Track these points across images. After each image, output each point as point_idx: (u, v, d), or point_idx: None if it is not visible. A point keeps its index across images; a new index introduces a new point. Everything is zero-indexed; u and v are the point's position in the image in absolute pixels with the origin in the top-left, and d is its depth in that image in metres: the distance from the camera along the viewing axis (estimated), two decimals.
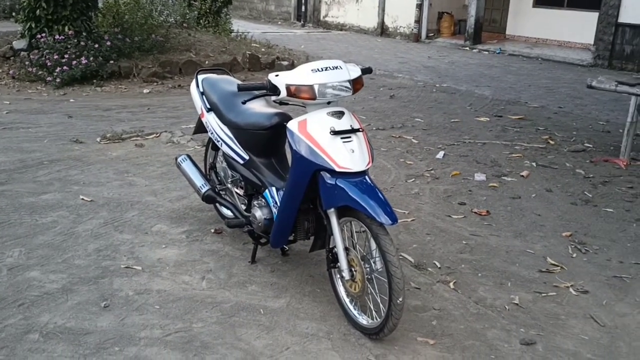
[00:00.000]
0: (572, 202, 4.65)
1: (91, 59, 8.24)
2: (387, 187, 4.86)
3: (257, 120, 3.30)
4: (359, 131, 2.89)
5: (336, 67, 2.89)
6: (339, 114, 2.88)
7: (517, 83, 9.81)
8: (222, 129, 3.52)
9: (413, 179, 5.06)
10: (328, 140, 2.80)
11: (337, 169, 2.77)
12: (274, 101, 3.00)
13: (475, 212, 4.42)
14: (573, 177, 5.22)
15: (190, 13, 11.86)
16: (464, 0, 15.98)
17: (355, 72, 2.97)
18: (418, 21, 15.65)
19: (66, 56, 8.12)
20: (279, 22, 20.28)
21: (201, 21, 12.46)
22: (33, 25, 8.45)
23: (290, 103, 3.01)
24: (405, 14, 16.02)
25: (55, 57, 8.10)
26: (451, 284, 3.41)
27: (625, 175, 5.28)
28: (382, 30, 16.91)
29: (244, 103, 3.15)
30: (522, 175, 5.20)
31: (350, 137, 2.84)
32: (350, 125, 2.86)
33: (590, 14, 12.61)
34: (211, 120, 3.62)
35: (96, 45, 8.44)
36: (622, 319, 3.14)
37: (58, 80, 8.02)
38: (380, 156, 5.63)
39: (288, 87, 2.85)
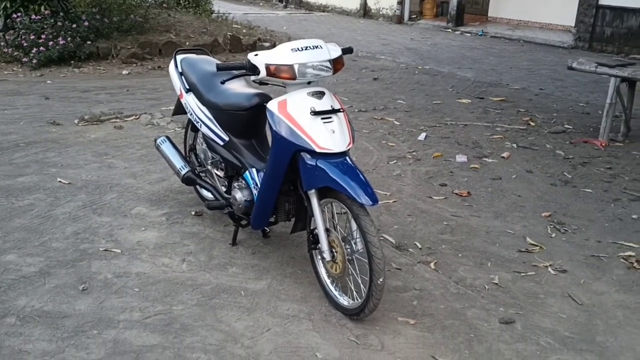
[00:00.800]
0: (552, 183, 4.68)
1: (68, 39, 8.09)
2: (369, 168, 4.85)
3: (237, 100, 3.26)
4: (340, 111, 2.87)
5: (316, 47, 2.85)
6: (320, 94, 2.85)
7: (499, 65, 9.82)
8: (201, 110, 3.48)
9: (395, 161, 5.06)
10: (308, 120, 2.77)
11: (318, 150, 2.74)
12: (254, 81, 2.96)
13: (456, 193, 4.43)
14: (553, 158, 5.25)
15: None
16: None
17: (335, 51, 2.94)
18: (401, 3, 15.56)
19: (43, 37, 7.96)
20: (261, 4, 20.07)
21: (181, 1, 12.29)
22: (8, 5, 8.29)
23: (270, 83, 2.97)
24: None
25: (32, 37, 7.95)
26: (432, 265, 3.43)
27: (604, 156, 5.32)
28: (365, 11, 16.80)
29: (222, 83, 3.11)
30: (503, 157, 5.22)
31: (330, 117, 2.82)
32: (331, 106, 2.84)
33: None
34: (190, 101, 3.58)
35: (73, 26, 8.29)
36: (599, 298, 3.17)
37: (34, 61, 7.88)
38: (363, 138, 5.61)
39: (268, 67, 2.81)
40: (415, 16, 15.85)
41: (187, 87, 3.61)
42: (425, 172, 4.83)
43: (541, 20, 13.90)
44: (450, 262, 3.48)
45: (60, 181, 4.29)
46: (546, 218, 4.08)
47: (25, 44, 7.95)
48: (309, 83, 2.88)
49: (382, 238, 3.69)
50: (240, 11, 16.31)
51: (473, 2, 15.70)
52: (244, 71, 2.91)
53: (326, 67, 2.84)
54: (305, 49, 2.82)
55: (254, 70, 2.86)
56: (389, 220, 3.96)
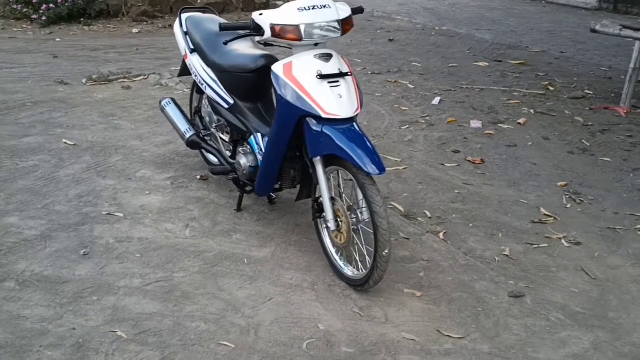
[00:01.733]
0: (569, 151, 4.52)
1: None
2: (380, 133, 4.72)
3: (242, 62, 3.14)
4: (348, 75, 2.75)
5: (324, 6, 2.71)
6: (327, 57, 2.72)
7: (519, 27, 9.51)
8: (206, 72, 3.36)
9: (407, 126, 4.92)
10: (314, 84, 2.66)
11: (324, 116, 2.64)
12: (258, 42, 2.84)
13: (470, 161, 4.30)
14: (571, 125, 5.08)
15: None
16: None
17: (345, 11, 2.80)
18: None
19: None
20: None
21: None
22: None
23: (275, 44, 2.85)
24: None
25: None
26: (441, 235, 3.33)
27: (624, 124, 5.13)
28: None
29: (225, 44, 2.98)
30: (520, 123, 5.05)
31: (338, 81, 2.70)
32: (339, 69, 2.72)
33: None
34: (195, 62, 3.46)
35: None
36: (613, 272, 3.07)
37: (44, 18, 7.74)
38: (375, 102, 5.47)
39: (273, 27, 2.68)
40: None
41: (192, 47, 3.49)
42: (438, 138, 4.70)
43: None
44: (460, 233, 3.38)
45: (65, 142, 4.22)
46: (562, 188, 3.95)
47: (34, 1, 7.80)
48: (316, 45, 2.75)
49: (390, 206, 3.60)
50: None
51: None
52: (248, 31, 2.78)
53: (334, 27, 2.71)
54: (313, 9, 2.68)
55: (258, 30, 2.74)
56: (398, 188, 3.85)
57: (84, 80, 5.63)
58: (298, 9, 2.66)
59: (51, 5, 7.76)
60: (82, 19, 8.04)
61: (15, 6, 7.90)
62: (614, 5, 11.34)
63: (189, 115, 3.88)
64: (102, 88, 5.49)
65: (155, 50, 6.97)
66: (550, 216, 3.59)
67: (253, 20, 2.73)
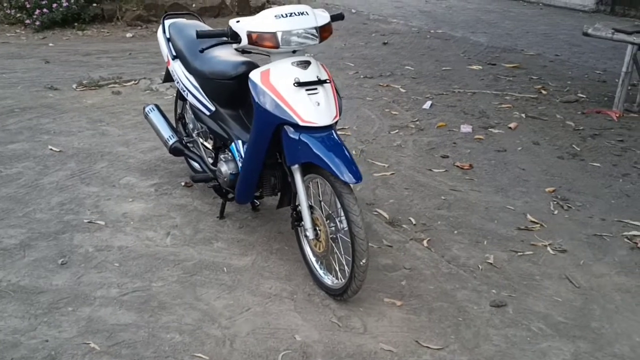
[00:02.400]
0: (559, 156, 4.49)
1: (72, 1, 7.91)
2: (369, 138, 4.69)
3: (223, 69, 3.11)
4: (327, 82, 2.72)
5: (302, 13, 2.68)
6: (305, 64, 2.70)
7: (515, 29, 9.47)
8: (187, 78, 3.34)
9: (397, 130, 4.89)
10: (292, 92, 2.63)
11: (301, 123, 2.61)
12: (236, 49, 2.81)
13: (458, 166, 4.27)
14: (562, 129, 5.04)
15: None
16: None
17: (323, 18, 2.77)
18: None
19: None
20: None
21: None
22: None
23: (253, 52, 2.82)
24: None
25: None
26: (425, 242, 3.30)
27: (616, 128, 5.09)
28: None
29: (201, 51, 2.95)
30: (510, 127, 5.02)
31: (316, 88, 2.67)
32: (317, 76, 2.69)
33: None
34: (177, 69, 3.44)
35: None
36: (598, 280, 3.03)
37: (38, 23, 7.73)
38: (365, 106, 5.44)
39: (249, 35, 2.65)
40: None
41: (174, 54, 3.47)
42: (427, 142, 4.67)
43: None
44: (445, 240, 3.35)
45: (51, 149, 4.20)
46: (550, 193, 3.92)
47: (28, 6, 7.79)
48: (294, 52, 2.72)
49: (375, 213, 3.57)
50: None
51: None
52: (225, 39, 2.76)
53: (312, 34, 2.69)
54: (290, 16, 2.65)
55: (235, 37, 2.71)
56: (384, 194, 3.82)
57: (74, 86, 5.62)
58: (275, 16, 2.63)
59: (45, 10, 7.75)
60: (76, 24, 8.02)
61: (8, 11, 7.90)
62: (612, 7, 11.30)
63: (173, 122, 3.85)
64: (92, 93, 5.47)
65: (147, 55, 6.94)
66: (537, 223, 3.55)
67: (230, 28, 2.71)
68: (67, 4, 7.85)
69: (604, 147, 4.69)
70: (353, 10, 10.35)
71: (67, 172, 3.88)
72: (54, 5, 7.78)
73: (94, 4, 8.27)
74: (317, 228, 2.75)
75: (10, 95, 5.27)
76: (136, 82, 5.82)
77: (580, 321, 2.73)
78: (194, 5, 9.09)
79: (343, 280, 2.72)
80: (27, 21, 7.77)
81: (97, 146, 4.31)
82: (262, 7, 9.48)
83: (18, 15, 7.86)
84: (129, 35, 7.92)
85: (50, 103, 5.13)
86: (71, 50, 6.99)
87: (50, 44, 7.24)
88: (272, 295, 2.80)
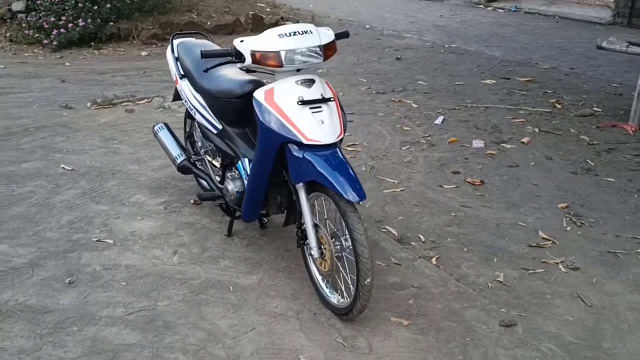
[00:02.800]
0: (572, 171, 4.43)
1: (89, 20, 8.04)
2: (379, 154, 4.67)
3: (229, 87, 3.12)
4: (331, 100, 2.71)
5: (306, 32, 2.68)
6: (309, 82, 2.69)
7: (530, 43, 9.42)
8: (195, 97, 3.36)
9: (408, 146, 4.87)
10: (296, 110, 2.63)
11: (305, 142, 2.60)
12: (240, 69, 2.82)
13: (469, 182, 4.23)
14: (576, 143, 4.98)
15: None
16: None
17: (327, 36, 2.77)
18: None
19: (63, 18, 7.92)
20: None
21: None
22: None
23: (258, 71, 2.83)
24: None
25: (52, 19, 7.91)
26: (433, 260, 3.26)
27: (632, 142, 5.01)
28: None
29: (206, 71, 2.97)
30: (523, 142, 4.97)
31: (320, 107, 2.67)
32: (321, 94, 2.68)
33: None
34: (185, 88, 3.46)
35: (94, 7, 8.23)
36: (610, 299, 2.97)
37: (55, 43, 7.86)
38: (377, 122, 5.43)
39: (253, 54, 2.66)
40: None
41: (182, 73, 3.50)
42: (438, 158, 4.63)
43: None
44: (454, 257, 3.30)
45: (63, 167, 4.24)
46: (562, 209, 3.86)
47: (46, 26, 7.92)
48: (298, 70, 2.72)
49: (384, 230, 3.55)
50: None
51: None
52: (229, 58, 2.77)
53: (316, 53, 2.68)
54: (294, 34, 2.66)
55: (239, 57, 2.72)
56: (393, 211, 3.79)
57: (88, 104, 5.68)
58: (278, 35, 2.64)
59: (62, 30, 7.88)
60: (92, 43, 8.14)
61: (27, 31, 8.03)
62: (629, 19, 11.19)
63: (182, 139, 3.88)
64: (105, 112, 5.53)
65: (161, 73, 7.00)
66: (549, 239, 3.49)
67: (234, 47, 2.72)
68: (83, 23, 7.97)
69: (619, 161, 4.62)
70: (367, 26, 10.38)
71: (78, 191, 3.91)
72: (70, 25, 7.91)
73: (111, 23, 8.39)
74: (322, 247, 2.73)
75: (26, 114, 5.34)
76: (149, 100, 5.88)
77: (592, 341, 2.67)
78: (208, 23, 9.18)
79: (348, 299, 2.69)
80: (45, 41, 7.90)
81: (108, 164, 4.34)
82: (276, 24, 9.55)
83: (36, 35, 7.99)
84: (144, 53, 8.01)
85: (64, 122, 5.20)
86: (87, 69, 7.08)
87: (67, 63, 7.35)
88: (278, 315, 2.78)
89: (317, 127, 2.61)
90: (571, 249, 3.41)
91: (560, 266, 3.24)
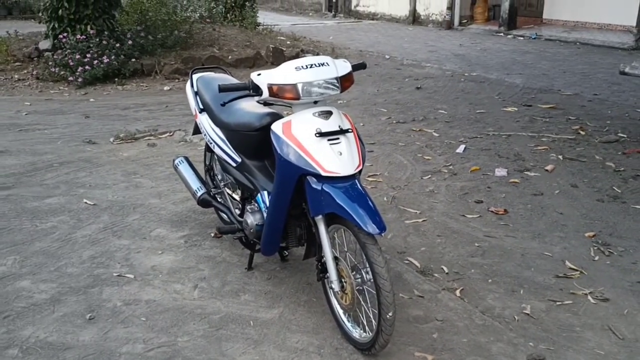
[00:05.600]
0: (599, 199, 4.33)
1: (112, 57, 8.23)
2: (401, 184, 4.63)
3: (248, 120, 3.13)
4: (349, 132, 2.69)
5: (322, 64, 2.69)
6: (327, 114, 2.68)
7: (552, 69, 9.37)
8: (214, 131, 3.37)
9: (429, 175, 4.82)
10: (314, 142, 2.61)
11: (323, 173, 2.58)
12: (257, 102, 2.82)
13: (492, 211, 4.16)
14: (602, 170, 4.88)
15: (217, 7, 11.78)
16: None
17: (344, 68, 2.76)
18: (450, 8, 15.21)
19: (88, 55, 8.13)
20: (310, 14, 20.07)
21: (228, 15, 12.35)
22: (56, 25, 8.50)
23: (276, 103, 2.83)
24: (437, 1, 15.60)
25: (77, 56, 8.12)
26: (458, 292, 3.19)
27: None
28: (414, 18, 16.51)
29: (223, 105, 2.98)
30: (547, 170, 4.89)
31: (338, 138, 2.65)
32: (339, 126, 2.67)
33: None
34: (204, 122, 3.48)
35: (117, 44, 8.42)
36: None
37: (80, 79, 8.04)
38: (398, 151, 5.40)
39: (270, 87, 2.67)
40: (465, 21, 15.44)
41: (201, 107, 3.52)
42: (460, 187, 4.58)
43: (600, 21, 13.26)
44: (479, 289, 3.23)
45: (85, 202, 4.28)
46: (590, 238, 3.76)
47: (71, 63, 8.12)
48: (315, 102, 2.72)
49: (406, 262, 3.49)
50: (289, 22, 16.34)
51: (527, 4, 15.19)
52: (247, 92, 2.78)
53: (333, 85, 2.68)
54: (310, 67, 2.66)
55: (257, 90, 2.72)
56: (416, 242, 3.74)
57: (111, 139, 5.76)
58: (295, 68, 2.64)
59: (87, 67, 8.06)
60: (116, 79, 8.31)
61: (53, 69, 8.23)
62: None
63: (202, 173, 3.89)
64: (128, 146, 5.60)
65: (183, 107, 7.08)
66: (576, 270, 3.40)
67: (251, 81, 2.73)
68: (107, 60, 8.15)
69: None
70: (387, 56, 10.44)
71: (99, 225, 3.93)
72: (95, 62, 8.09)
73: (134, 59, 8.57)
74: (343, 280, 2.69)
75: (50, 150, 5.43)
76: (171, 133, 5.94)
77: None
78: (230, 57, 9.33)
79: (371, 334, 2.63)
80: (70, 78, 8.09)
81: (130, 198, 4.37)
82: (296, 56, 9.64)
83: (62, 72, 8.19)
84: (166, 88, 8.14)
85: (87, 157, 5.26)
86: (111, 105, 7.21)
87: (91, 99, 7.49)
88: (299, 350, 2.73)
89: (335, 159, 2.59)
90: (600, 280, 3.31)
91: (589, 297, 3.14)
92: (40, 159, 5.18)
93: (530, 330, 2.88)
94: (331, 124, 2.65)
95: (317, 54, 10.06)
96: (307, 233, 2.98)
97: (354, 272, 2.66)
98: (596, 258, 3.54)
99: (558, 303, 3.09)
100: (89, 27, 8.41)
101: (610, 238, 3.77)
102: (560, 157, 5.19)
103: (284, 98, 2.67)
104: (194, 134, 3.98)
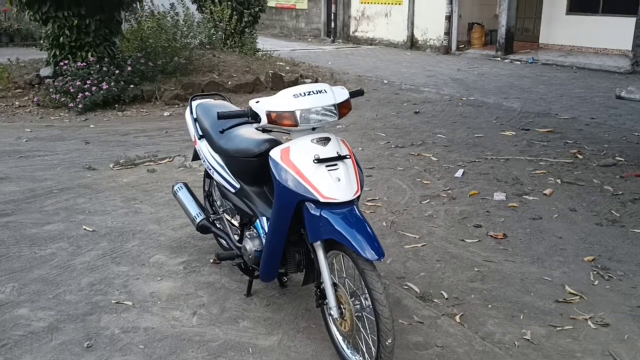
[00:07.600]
0: (597, 223, 4.34)
1: (112, 84, 8.29)
2: (399, 209, 4.64)
3: (247, 147, 3.15)
4: (347, 158, 2.71)
5: (320, 91, 2.72)
6: (325, 141, 2.70)
7: (549, 94, 9.44)
8: (213, 157, 3.39)
9: (428, 200, 4.83)
10: (312, 168, 2.63)
11: (322, 200, 2.59)
12: (256, 129, 2.84)
13: (491, 236, 4.16)
14: (600, 194, 4.90)
15: (216, 34, 11.89)
16: (495, 10, 15.64)
17: (342, 95, 2.79)
18: (448, 33, 15.37)
19: (88, 82, 8.19)
20: (309, 39, 20.26)
21: (228, 41, 12.47)
22: (57, 53, 8.59)
23: (274, 130, 2.86)
24: (434, 26, 15.77)
25: (78, 83, 8.18)
26: (457, 317, 3.18)
27: None
28: (412, 43, 16.67)
29: (222, 132, 3.00)
30: (545, 194, 4.90)
31: (336, 164, 2.66)
32: (337, 152, 2.69)
33: (627, 19, 12.13)
34: (203, 148, 3.50)
35: (117, 71, 8.49)
36: None
37: (80, 106, 8.09)
38: (396, 176, 5.42)
39: (269, 114, 2.69)
40: (463, 46, 15.60)
41: (200, 133, 3.55)
42: (459, 212, 4.58)
43: (595, 45, 13.41)
44: (478, 315, 3.22)
45: (85, 228, 4.28)
46: (589, 263, 3.76)
47: (72, 90, 8.18)
48: (314, 129, 2.74)
49: (406, 287, 3.48)
50: (288, 48, 16.49)
51: (523, 29, 15.36)
52: (245, 119, 2.80)
53: (331, 112, 2.70)
54: (308, 94, 2.69)
55: (255, 117, 2.75)
56: (415, 267, 3.73)
57: (111, 165, 5.78)
58: (293, 95, 2.67)
59: (87, 94, 8.12)
60: (116, 105, 8.36)
61: (54, 95, 8.28)
62: None
63: (201, 199, 3.90)
64: (127, 172, 5.61)
65: (183, 132, 7.11)
66: (576, 294, 3.39)
67: (250, 108, 2.75)
68: (107, 86, 8.21)
69: None
70: (385, 81, 10.53)
71: (98, 252, 3.93)
72: (94, 88, 8.15)
73: (133, 86, 8.63)
74: (342, 306, 2.68)
75: (50, 176, 5.44)
76: (171, 159, 5.96)
77: None
78: (229, 83, 9.40)
79: None
80: (71, 104, 8.14)
81: (129, 225, 4.37)
82: (295, 82, 9.76)
83: (62, 99, 8.24)
84: (166, 114, 8.19)
85: (87, 183, 5.27)
86: (111, 131, 7.24)
87: (92, 125, 7.52)
88: None
89: (333, 185, 2.61)
90: (600, 304, 3.30)
91: (590, 322, 3.13)
92: (40, 186, 5.19)
93: (530, 356, 2.86)
94: (329, 150, 2.67)
95: (316, 79, 10.14)
96: (305, 259, 2.98)
97: (353, 298, 2.66)
98: (596, 282, 3.53)
99: (558, 328, 3.08)
100: (89, 54, 8.50)
101: (610, 262, 3.76)
102: (559, 181, 5.21)
103: (283, 125, 2.69)
104: (193, 159, 4.00)
